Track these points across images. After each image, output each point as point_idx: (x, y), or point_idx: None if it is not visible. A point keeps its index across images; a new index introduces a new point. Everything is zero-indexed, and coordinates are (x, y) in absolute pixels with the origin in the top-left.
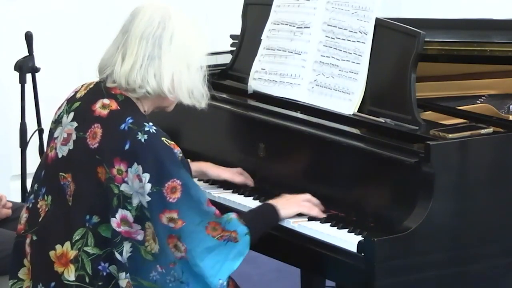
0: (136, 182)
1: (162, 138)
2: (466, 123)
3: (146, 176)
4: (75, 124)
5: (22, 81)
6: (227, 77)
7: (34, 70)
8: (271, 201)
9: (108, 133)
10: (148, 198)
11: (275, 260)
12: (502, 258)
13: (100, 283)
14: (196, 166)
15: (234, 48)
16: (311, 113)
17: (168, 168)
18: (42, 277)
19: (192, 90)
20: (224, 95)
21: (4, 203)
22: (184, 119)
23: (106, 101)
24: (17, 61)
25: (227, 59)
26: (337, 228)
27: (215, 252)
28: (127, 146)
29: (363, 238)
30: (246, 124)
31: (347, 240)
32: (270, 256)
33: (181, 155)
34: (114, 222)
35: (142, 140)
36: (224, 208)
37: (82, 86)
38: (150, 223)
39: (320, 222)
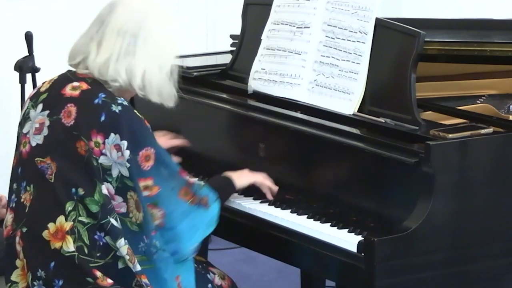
0: (114, 152)
1: (135, 111)
2: (466, 123)
3: (124, 144)
4: (46, 112)
5: (22, 81)
6: (227, 77)
7: (34, 70)
8: (226, 173)
9: (82, 109)
10: (128, 165)
11: (275, 260)
12: (502, 258)
13: (98, 254)
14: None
15: (234, 48)
16: (311, 113)
17: (141, 137)
18: (39, 262)
19: (162, 90)
20: (224, 95)
21: (4, 203)
22: (184, 119)
23: (75, 83)
24: (17, 61)
25: (227, 59)
26: (337, 228)
27: (191, 217)
28: (102, 118)
29: (363, 238)
30: (246, 124)
31: (347, 240)
32: (270, 256)
33: (150, 130)
34: (105, 188)
35: (117, 110)
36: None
37: (44, 82)
38: (132, 192)
39: (320, 222)
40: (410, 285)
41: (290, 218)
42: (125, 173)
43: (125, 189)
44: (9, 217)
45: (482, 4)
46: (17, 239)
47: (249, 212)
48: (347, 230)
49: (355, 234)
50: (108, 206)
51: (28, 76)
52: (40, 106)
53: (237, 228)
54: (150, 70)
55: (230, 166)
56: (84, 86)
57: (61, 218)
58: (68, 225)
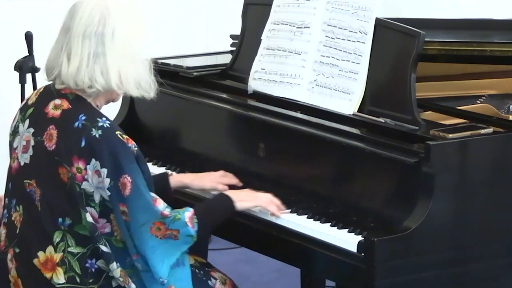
0: (95, 178)
1: (116, 133)
2: (466, 123)
3: (104, 171)
4: (31, 130)
5: (22, 81)
6: (227, 77)
7: (34, 70)
8: (228, 192)
9: (63, 133)
10: (108, 193)
11: (275, 260)
12: (502, 258)
13: (91, 280)
14: (177, 180)
15: (234, 48)
16: (311, 113)
17: (121, 163)
18: (34, 286)
19: (140, 82)
20: (224, 95)
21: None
22: (184, 119)
23: (57, 101)
24: (17, 61)
25: (227, 59)
26: (337, 228)
27: (158, 252)
28: (83, 144)
29: (363, 238)
30: (246, 124)
31: (347, 240)
32: (270, 256)
33: (136, 149)
34: (89, 216)
35: (97, 135)
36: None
37: (33, 93)
38: (114, 213)
39: (320, 222)
40: (410, 285)
41: (290, 218)
42: (106, 197)
43: (107, 211)
44: (2, 232)
45: (482, 4)
46: (9, 256)
47: (249, 212)
48: (347, 230)
49: (355, 234)
50: (95, 234)
51: (28, 76)
52: (27, 122)
53: (237, 228)
54: (124, 65)
55: (230, 166)
56: (65, 104)
57: (50, 249)
58: (58, 257)
